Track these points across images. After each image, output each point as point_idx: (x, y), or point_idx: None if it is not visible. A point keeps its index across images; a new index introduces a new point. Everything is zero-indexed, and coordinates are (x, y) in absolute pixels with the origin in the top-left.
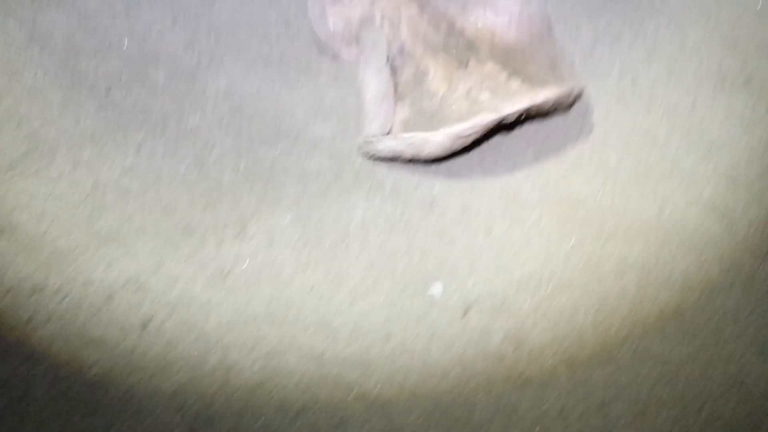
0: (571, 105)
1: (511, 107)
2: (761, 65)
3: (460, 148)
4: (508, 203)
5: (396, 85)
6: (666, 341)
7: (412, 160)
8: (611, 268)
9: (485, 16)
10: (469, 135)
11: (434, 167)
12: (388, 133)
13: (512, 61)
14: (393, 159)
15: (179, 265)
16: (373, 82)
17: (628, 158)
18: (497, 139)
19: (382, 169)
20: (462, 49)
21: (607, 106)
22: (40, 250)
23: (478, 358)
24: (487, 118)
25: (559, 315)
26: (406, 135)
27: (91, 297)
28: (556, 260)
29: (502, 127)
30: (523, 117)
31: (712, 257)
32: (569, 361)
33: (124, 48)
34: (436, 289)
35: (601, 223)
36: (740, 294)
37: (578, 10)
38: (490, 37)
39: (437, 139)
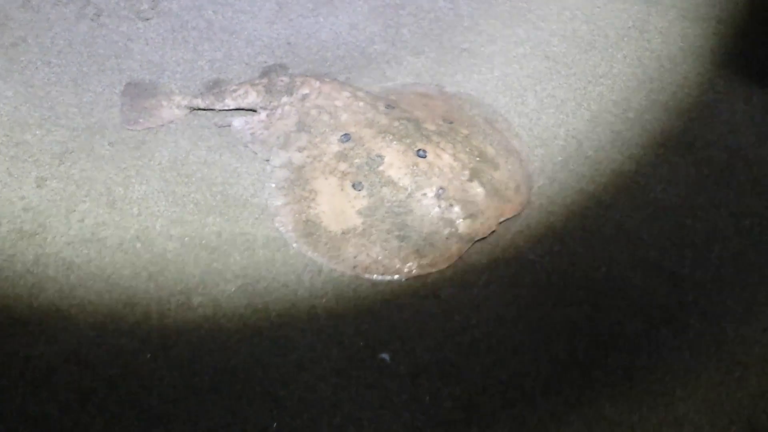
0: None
1: (483, 231)
2: (703, 130)
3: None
4: (456, 267)
5: (348, 173)
6: (617, 406)
7: None
8: (560, 331)
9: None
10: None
11: None
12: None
13: (459, 135)
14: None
15: (122, 339)
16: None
17: (575, 220)
18: None
19: None
20: (412, 130)
21: (554, 171)
22: None
23: (428, 425)
24: (464, 249)
25: (509, 380)
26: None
27: (30, 373)
28: (504, 324)
29: None
30: None
31: (659, 319)
32: (520, 426)
33: (71, 118)
34: (385, 356)
35: (548, 286)
36: (689, 356)
37: (523, 80)
38: (425, 102)
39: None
